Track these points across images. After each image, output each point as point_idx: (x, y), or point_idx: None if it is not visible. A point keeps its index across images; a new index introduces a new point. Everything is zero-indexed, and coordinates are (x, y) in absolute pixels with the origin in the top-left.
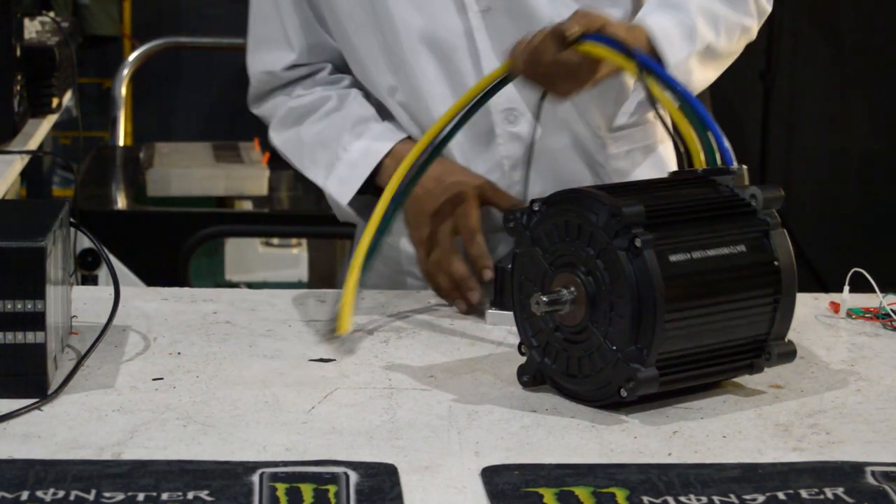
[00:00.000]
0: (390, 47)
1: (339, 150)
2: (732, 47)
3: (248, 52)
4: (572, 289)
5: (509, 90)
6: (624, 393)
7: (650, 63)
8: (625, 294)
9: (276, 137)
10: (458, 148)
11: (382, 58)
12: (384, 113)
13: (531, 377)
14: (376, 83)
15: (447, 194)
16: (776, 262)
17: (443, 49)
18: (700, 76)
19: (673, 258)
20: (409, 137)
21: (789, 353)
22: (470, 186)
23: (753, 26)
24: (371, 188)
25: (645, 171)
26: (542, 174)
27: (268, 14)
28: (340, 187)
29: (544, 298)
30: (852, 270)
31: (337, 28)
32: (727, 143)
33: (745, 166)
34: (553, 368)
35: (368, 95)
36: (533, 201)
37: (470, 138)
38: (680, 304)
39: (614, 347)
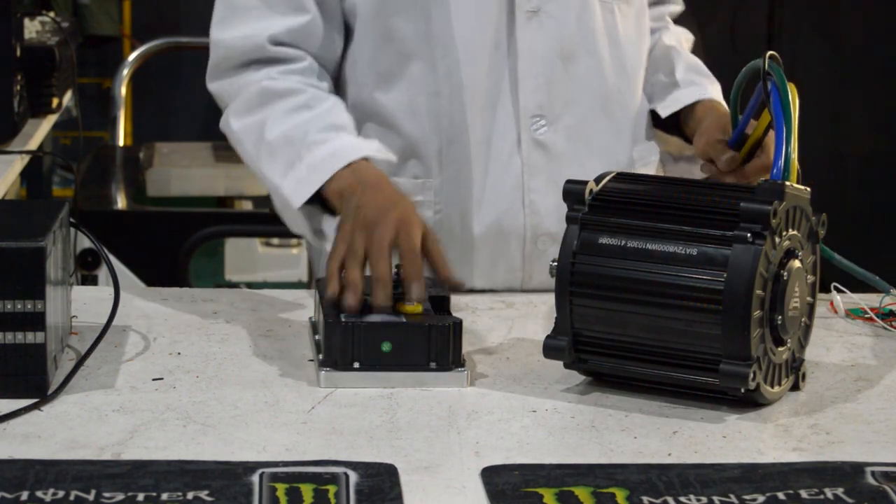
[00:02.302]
0: (436, 34)
1: (302, 150)
2: None
3: (220, 21)
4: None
5: (539, 96)
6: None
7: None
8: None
9: (236, 121)
10: (480, 149)
11: (423, 43)
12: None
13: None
14: (406, 70)
15: (397, 211)
16: (723, 276)
17: (485, 44)
18: None
19: (602, 240)
20: (367, 159)
21: (735, 376)
22: (418, 216)
23: None
24: (319, 199)
25: None
26: (555, 190)
27: None
28: (296, 187)
29: (552, 263)
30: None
31: (374, 6)
32: (781, 163)
33: (783, 182)
34: None
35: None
36: None
37: (496, 140)
38: (595, 282)
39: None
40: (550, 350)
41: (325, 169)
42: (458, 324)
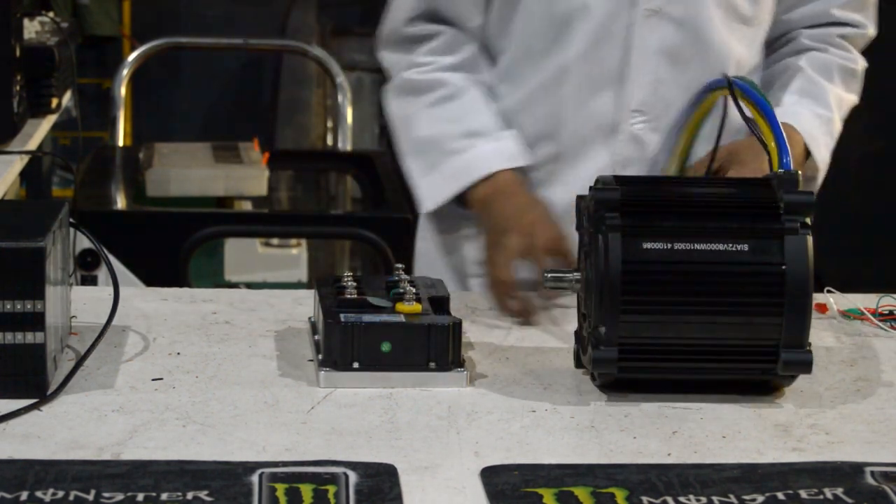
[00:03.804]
0: (554, 13)
1: (441, 158)
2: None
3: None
4: (576, 274)
5: (644, 93)
6: (591, 371)
7: (742, 86)
8: (593, 275)
9: (391, 102)
10: (574, 136)
11: (546, 22)
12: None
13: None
14: (526, 45)
15: (529, 228)
16: (783, 267)
17: (598, 33)
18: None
19: (647, 245)
20: (512, 169)
21: (800, 363)
22: (549, 230)
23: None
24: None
25: None
26: None
27: None
28: (429, 191)
29: (548, 275)
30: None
31: None
32: (790, 157)
33: (797, 172)
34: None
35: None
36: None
37: (592, 129)
38: (647, 289)
39: (591, 328)
40: (601, 363)
41: (459, 181)
42: (458, 324)
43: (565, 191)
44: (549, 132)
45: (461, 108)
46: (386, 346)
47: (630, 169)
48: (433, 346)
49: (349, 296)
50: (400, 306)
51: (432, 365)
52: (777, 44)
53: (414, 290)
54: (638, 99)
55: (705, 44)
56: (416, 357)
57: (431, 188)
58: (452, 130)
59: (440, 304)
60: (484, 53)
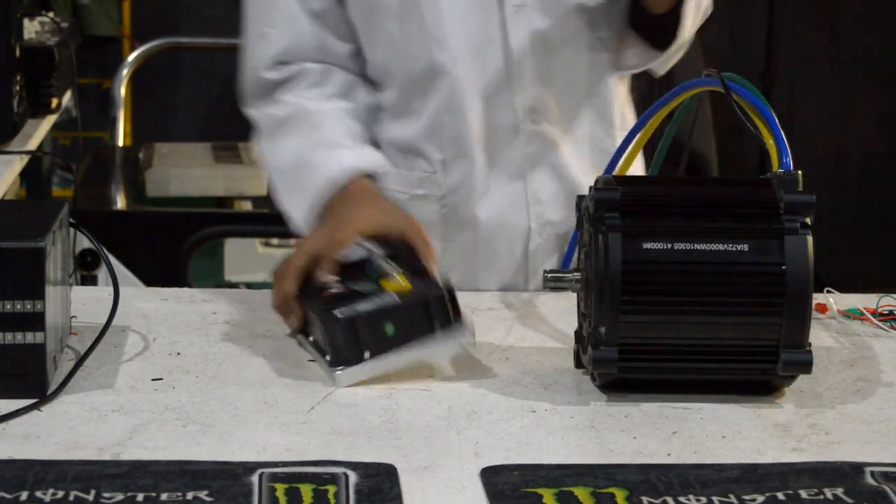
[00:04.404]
0: (429, 30)
1: (303, 173)
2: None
3: (243, 47)
4: (576, 274)
5: (534, 89)
6: (591, 371)
7: (738, 88)
8: (593, 275)
9: (260, 146)
10: (481, 143)
11: (419, 39)
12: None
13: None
14: (408, 68)
15: (338, 222)
16: (783, 267)
17: (477, 39)
18: (691, 26)
19: (647, 245)
20: (369, 175)
21: (800, 363)
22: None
23: None
24: None
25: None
26: (553, 178)
27: (262, 4)
28: (298, 212)
29: (549, 275)
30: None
31: (368, 9)
32: (789, 157)
33: (798, 172)
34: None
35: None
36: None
37: (495, 134)
38: (647, 289)
39: (591, 328)
40: (601, 363)
41: (322, 194)
42: (451, 289)
43: (487, 205)
44: (459, 151)
45: (323, 129)
46: (389, 329)
47: (540, 167)
48: (434, 314)
49: (334, 290)
50: (386, 284)
51: (437, 331)
52: None
53: (390, 265)
54: (529, 95)
55: (575, 25)
56: (421, 329)
57: (299, 208)
58: (313, 147)
59: (415, 269)
60: (362, 80)
